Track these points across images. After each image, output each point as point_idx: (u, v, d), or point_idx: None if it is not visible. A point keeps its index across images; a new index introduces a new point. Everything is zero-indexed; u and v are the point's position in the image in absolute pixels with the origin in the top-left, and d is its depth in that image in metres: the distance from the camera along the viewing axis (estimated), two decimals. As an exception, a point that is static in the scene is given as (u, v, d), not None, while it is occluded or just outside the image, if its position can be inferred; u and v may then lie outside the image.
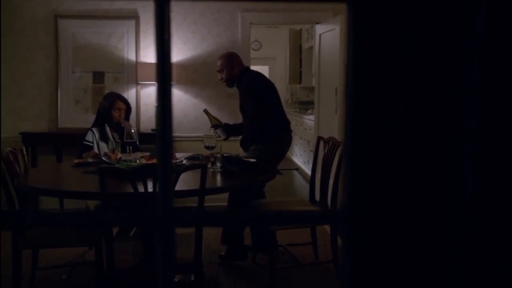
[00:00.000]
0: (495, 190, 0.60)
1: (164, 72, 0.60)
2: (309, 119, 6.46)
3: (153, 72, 4.65)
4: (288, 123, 3.57)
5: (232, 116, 5.10)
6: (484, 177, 0.60)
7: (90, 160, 3.14)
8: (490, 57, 0.58)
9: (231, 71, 3.42)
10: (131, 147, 3.27)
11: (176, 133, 4.89)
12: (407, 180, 0.61)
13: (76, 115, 4.95)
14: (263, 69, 9.38)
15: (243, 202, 3.10)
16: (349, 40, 0.59)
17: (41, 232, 2.70)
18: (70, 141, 4.69)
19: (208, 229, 3.60)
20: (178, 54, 4.91)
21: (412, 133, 0.61)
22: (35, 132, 4.83)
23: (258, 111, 3.26)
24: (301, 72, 8.33)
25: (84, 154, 3.30)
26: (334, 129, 4.96)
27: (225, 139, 3.48)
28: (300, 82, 8.38)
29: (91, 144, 3.46)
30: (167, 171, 0.61)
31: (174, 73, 4.80)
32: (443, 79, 0.60)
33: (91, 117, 4.80)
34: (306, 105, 8.07)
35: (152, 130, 4.85)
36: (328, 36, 4.94)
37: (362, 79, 0.60)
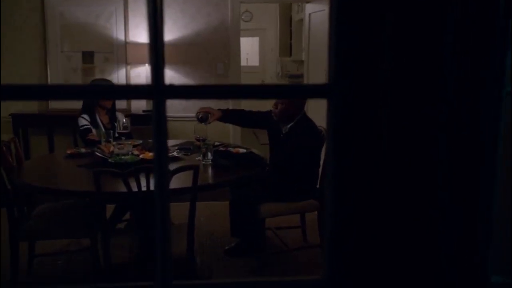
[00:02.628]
0: (474, 178, 0.67)
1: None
2: (299, 95, 6.49)
3: (143, 54, 4.65)
4: (315, 186, 3.25)
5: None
6: (461, 164, 0.66)
7: (83, 150, 3.20)
8: (466, 52, 0.64)
9: (285, 109, 3.09)
10: (123, 138, 3.32)
11: (168, 113, 4.90)
12: (391, 170, 0.68)
13: (66, 96, 4.95)
14: (254, 41, 9.32)
15: (243, 202, 3.16)
16: (331, 27, 0.65)
17: (37, 224, 2.78)
18: (62, 122, 4.72)
19: (200, 210, 3.67)
20: (168, 34, 4.88)
21: (396, 121, 0.66)
22: (26, 114, 4.83)
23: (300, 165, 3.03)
24: (291, 44, 8.30)
25: (89, 135, 3.41)
26: (323, 108, 5.02)
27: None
28: (290, 55, 8.36)
29: (89, 126, 3.52)
30: (166, 249, 0.68)
31: (165, 52, 4.78)
32: (425, 68, 0.65)
33: (82, 98, 4.81)
34: (296, 79, 8.08)
35: (144, 111, 4.88)
36: (318, 16, 4.93)
37: (346, 69, 0.66)
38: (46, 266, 3.17)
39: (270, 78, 9.15)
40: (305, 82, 6.23)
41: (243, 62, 7.73)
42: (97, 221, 2.56)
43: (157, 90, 0.70)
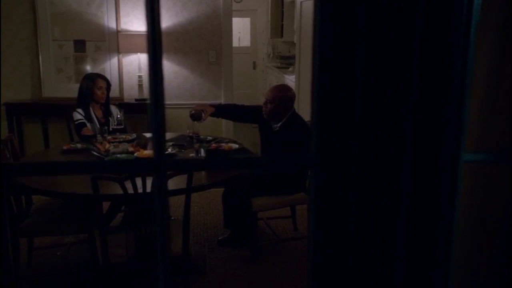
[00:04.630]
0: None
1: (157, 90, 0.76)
2: (290, 80, 6.55)
3: (134, 43, 4.66)
4: (305, 179, 3.34)
5: (213, 82, 5.19)
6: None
7: (79, 146, 3.27)
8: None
9: (275, 108, 3.18)
10: (118, 133, 3.39)
11: (160, 101, 4.98)
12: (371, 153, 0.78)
13: (59, 84, 4.97)
14: (245, 21, 9.28)
15: (236, 196, 3.27)
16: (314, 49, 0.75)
17: (36, 221, 2.87)
18: (56, 111, 4.75)
19: (194, 198, 3.76)
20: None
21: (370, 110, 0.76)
22: (19, 102, 4.86)
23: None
24: (282, 25, 8.28)
25: (84, 129, 3.49)
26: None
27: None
28: (282, 36, 8.35)
29: (83, 120, 3.59)
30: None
31: (156, 41, 4.80)
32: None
33: (74, 86, 4.85)
34: (288, 60, 8.10)
35: (136, 100, 4.92)
36: (309, 3, 4.95)
37: (328, 73, 0.76)
38: (45, 258, 3.28)
39: (262, 59, 9.16)
40: (297, 64, 6.27)
41: (235, 43, 7.73)
42: (94, 217, 2.65)
43: (159, 165, 0.78)
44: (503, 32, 0.92)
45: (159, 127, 0.78)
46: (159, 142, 0.79)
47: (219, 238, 3.54)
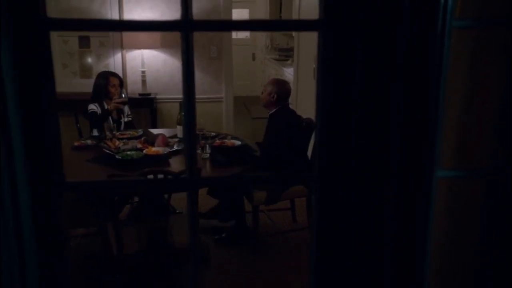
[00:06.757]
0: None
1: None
2: (288, 72, 6.69)
3: (137, 39, 4.78)
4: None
5: (214, 77, 5.33)
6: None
7: (89, 142, 3.42)
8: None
9: (269, 95, 3.41)
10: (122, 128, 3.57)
11: (163, 95, 5.15)
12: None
13: (64, 79, 5.10)
14: (243, 13, 9.37)
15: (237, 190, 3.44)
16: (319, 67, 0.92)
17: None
18: (61, 106, 4.89)
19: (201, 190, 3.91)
20: (162, 18, 5.01)
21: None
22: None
23: (280, 149, 3.29)
24: (281, 17, 8.38)
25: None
26: (312, 88, 5.23)
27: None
28: (280, 28, 8.45)
29: (96, 110, 3.75)
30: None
31: (159, 37, 4.94)
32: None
33: (80, 81, 5.00)
34: (286, 52, 8.22)
35: (140, 94, 5.06)
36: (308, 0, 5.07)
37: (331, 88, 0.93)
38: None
39: (261, 51, 9.27)
40: (295, 57, 6.40)
41: (234, 34, 7.84)
42: (107, 211, 2.82)
43: (192, 183, 0.95)
44: (475, 62, 1.07)
45: (192, 153, 0.95)
46: (191, 164, 0.96)
47: (215, 237, 3.57)
